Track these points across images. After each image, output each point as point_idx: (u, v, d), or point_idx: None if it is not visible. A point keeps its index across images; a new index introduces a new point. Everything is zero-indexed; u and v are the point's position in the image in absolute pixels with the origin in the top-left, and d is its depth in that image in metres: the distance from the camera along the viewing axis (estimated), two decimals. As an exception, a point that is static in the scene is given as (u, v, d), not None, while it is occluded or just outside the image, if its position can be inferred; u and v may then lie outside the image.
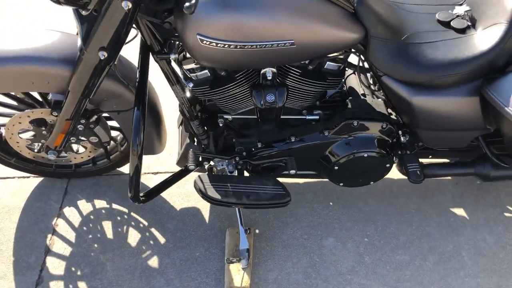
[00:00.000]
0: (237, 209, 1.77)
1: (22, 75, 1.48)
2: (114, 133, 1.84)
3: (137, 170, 1.46)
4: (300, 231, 1.88)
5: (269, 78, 1.48)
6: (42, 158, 1.84)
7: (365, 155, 1.65)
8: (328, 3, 1.34)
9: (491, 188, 2.05)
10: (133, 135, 1.40)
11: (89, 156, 1.86)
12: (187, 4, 0.99)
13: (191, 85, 1.53)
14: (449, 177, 2.08)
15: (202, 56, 1.33)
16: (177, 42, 1.52)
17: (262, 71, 1.48)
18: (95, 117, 1.65)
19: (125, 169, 2.05)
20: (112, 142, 1.85)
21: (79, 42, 1.35)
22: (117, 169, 2.02)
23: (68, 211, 1.93)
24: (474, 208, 1.97)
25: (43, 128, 1.69)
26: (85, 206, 1.95)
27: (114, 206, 1.95)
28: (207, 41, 1.26)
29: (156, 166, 2.10)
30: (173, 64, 1.54)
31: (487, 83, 1.46)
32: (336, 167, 1.69)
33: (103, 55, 1.33)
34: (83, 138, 1.75)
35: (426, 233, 1.88)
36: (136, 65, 1.66)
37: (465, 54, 1.45)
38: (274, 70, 1.48)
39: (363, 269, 1.77)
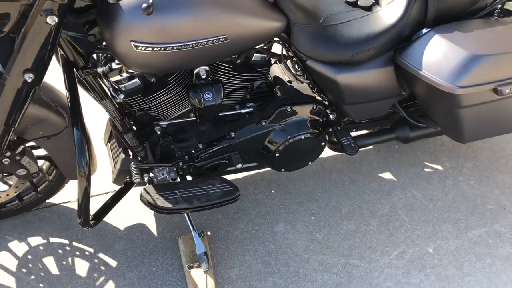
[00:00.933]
0: (186, 214, 1.76)
1: None
2: (39, 162, 1.71)
3: (86, 193, 1.39)
4: (250, 224, 1.91)
5: (203, 76, 1.49)
6: (-40, 204, 1.66)
7: (302, 137, 1.73)
8: (251, -4, 1.39)
9: (408, 149, 2.25)
10: (77, 156, 1.33)
11: (15, 192, 1.71)
12: (144, 5, 0.97)
13: (121, 96, 1.49)
14: (371, 146, 2.25)
15: (136, 63, 1.30)
16: (101, 55, 1.47)
17: (195, 70, 1.49)
18: (21, 147, 1.53)
19: (55, 199, 1.93)
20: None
21: (-1, 67, 1.25)
22: (47, 200, 1.89)
23: (0, 256, 1.76)
24: (398, 169, 2.16)
25: (-40, 170, 1.53)
26: (19, 247, 1.79)
27: (52, 239, 1.82)
28: (142, 46, 1.24)
29: (88, 190, 2.00)
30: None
31: (399, 53, 1.61)
32: (277, 154, 1.75)
33: (29, 77, 1.24)
34: (6, 174, 1.61)
35: (364, 200, 2.02)
36: (52, 85, 1.59)
37: (376, 29, 1.59)
38: (207, 68, 1.49)
39: (317, 245, 1.85)
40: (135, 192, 1.86)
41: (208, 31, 1.30)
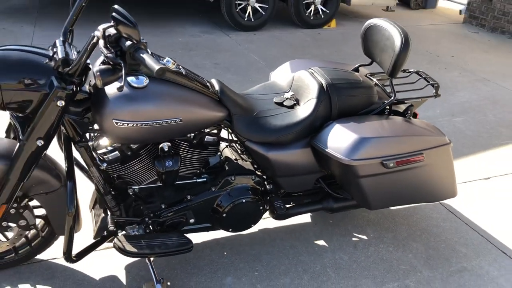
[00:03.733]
0: (149, 265, 2.18)
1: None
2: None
3: (71, 231, 1.85)
4: (203, 277, 2.31)
5: (166, 150, 2.04)
6: (-32, 251, 2.08)
7: (244, 200, 2.23)
8: (201, 94, 2.00)
9: (340, 223, 2.74)
10: (68, 201, 1.82)
11: (15, 241, 2.14)
12: (118, 86, 1.54)
13: (105, 165, 2.02)
14: (310, 220, 2.73)
15: (117, 135, 1.85)
16: (91, 134, 2.03)
17: (160, 145, 2.04)
18: (25, 200, 2.01)
19: (43, 256, 2.34)
20: (33, 230, 2.18)
21: (20, 135, 1.79)
22: (37, 256, 2.30)
23: (-6, 299, 2.14)
24: (330, 238, 2.62)
25: (-25, 219, 1.99)
26: (10, 292, 2.18)
27: (39, 287, 2.20)
28: (121, 123, 1.80)
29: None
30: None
31: (312, 138, 2.20)
32: (224, 215, 2.23)
33: (40, 143, 1.78)
34: (12, 225, 2.06)
35: (299, 261, 2.45)
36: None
37: (295, 120, 2.19)
38: (169, 144, 2.05)
39: (257, 295, 2.25)
40: (109, 254, 2.30)
41: (167, 115, 1.87)
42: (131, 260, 2.36)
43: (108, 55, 1.61)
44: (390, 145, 2.12)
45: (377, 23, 2.34)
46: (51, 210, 2.09)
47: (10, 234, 2.15)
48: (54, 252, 2.37)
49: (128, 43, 1.54)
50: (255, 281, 2.31)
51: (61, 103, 1.73)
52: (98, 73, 1.56)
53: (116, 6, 1.56)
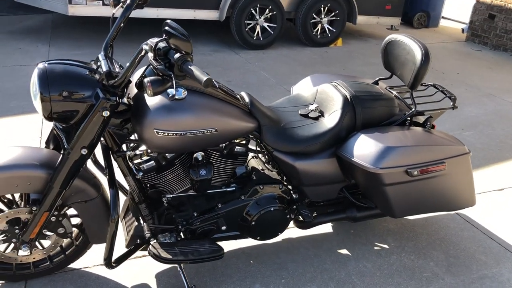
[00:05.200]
0: (181, 272, 2.24)
1: (9, 180, 1.91)
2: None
3: (113, 237, 1.92)
4: (232, 284, 2.37)
5: (200, 159, 2.12)
6: (8, 258, 2.14)
7: (272, 209, 2.30)
8: (233, 105, 2.09)
9: (361, 233, 2.80)
10: (111, 208, 1.89)
11: (51, 250, 2.20)
12: (170, 95, 1.63)
13: (141, 174, 2.10)
14: (332, 230, 2.79)
15: (156, 144, 1.93)
16: (129, 144, 2.12)
17: (195, 155, 2.12)
18: (65, 209, 2.09)
19: (76, 265, 2.40)
20: (68, 239, 2.24)
21: (64, 144, 1.88)
22: (70, 265, 2.36)
23: (30, 306, 2.19)
24: (353, 247, 2.68)
25: (16, 227, 2.05)
26: (45, 300, 2.23)
27: (73, 294, 2.26)
28: (161, 132, 1.89)
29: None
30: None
31: (338, 148, 2.28)
32: (253, 223, 2.30)
33: (84, 151, 1.87)
34: (49, 233, 2.13)
35: (324, 269, 2.51)
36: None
37: (320, 130, 2.28)
38: (203, 153, 2.13)
39: (286, 301, 2.30)
40: (140, 263, 2.36)
41: (204, 125, 1.96)
42: (161, 268, 2.42)
43: (158, 67, 1.70)
44: (414, 154, 2.21)
45: (398, 38, 2.45)
46: (87, 219, 2.15)
47: (46, 243, 2.22)
48: (86, 261, 2.43)
49: (177, 55, 1.63)
50: (282, 288, 2.37)
51: (106, 113, 1.82)
52: (149, 83, 1.66)
53: (169, 21, 1.66)
